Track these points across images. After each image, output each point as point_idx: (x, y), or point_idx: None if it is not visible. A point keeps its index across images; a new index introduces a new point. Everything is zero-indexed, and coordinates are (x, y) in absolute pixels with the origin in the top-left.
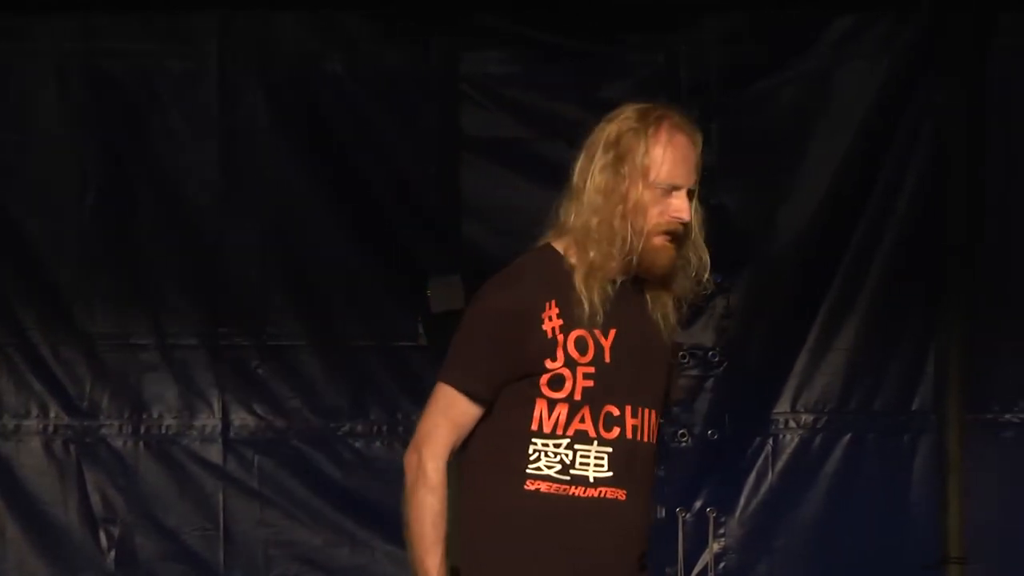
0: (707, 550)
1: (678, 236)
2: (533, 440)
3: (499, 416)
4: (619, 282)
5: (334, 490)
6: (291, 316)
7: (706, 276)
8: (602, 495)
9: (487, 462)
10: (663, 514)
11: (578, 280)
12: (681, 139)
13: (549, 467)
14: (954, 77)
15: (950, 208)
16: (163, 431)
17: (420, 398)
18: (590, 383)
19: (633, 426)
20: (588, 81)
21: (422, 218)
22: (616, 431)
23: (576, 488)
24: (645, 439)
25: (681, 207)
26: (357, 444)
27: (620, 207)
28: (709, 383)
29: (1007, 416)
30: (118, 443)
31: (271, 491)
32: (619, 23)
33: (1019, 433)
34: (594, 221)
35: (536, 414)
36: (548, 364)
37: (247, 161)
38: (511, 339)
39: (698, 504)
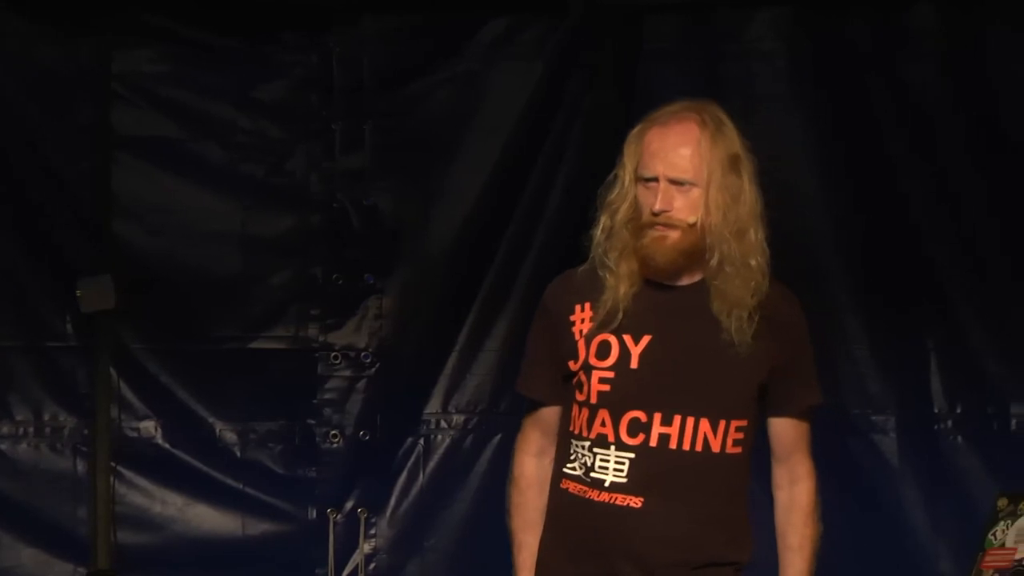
0: (358, 551)
1: (676, 228)
2: (572, 440)
3: (562, 416)
4: (674, 288)
5: None
6: None
7: (762, 280)
8: (613, 501)
9: (556, 462)
10: (314, 515)
11: (606, 285)
12: (672, 129)
13: (577, 468)
14: (603, 80)
15: None
16: None
17: (68, 399)
18: (606, 387)
19: (662, 434)
20: (242, 81)
21: (74, 217)
22: (640, 438)
23: (592, 491)
24: (685, 447)
25: (650, 198)
26: (2, 446)
27: (618, 208)
28: (361, 384)
29: None
30: None
31: None
32: (274, 22)
33: None
34: (599, 229)
35: (572, 415)
36: (571, 366)
37: None
38: (546, 334)
39: (349, 505)
